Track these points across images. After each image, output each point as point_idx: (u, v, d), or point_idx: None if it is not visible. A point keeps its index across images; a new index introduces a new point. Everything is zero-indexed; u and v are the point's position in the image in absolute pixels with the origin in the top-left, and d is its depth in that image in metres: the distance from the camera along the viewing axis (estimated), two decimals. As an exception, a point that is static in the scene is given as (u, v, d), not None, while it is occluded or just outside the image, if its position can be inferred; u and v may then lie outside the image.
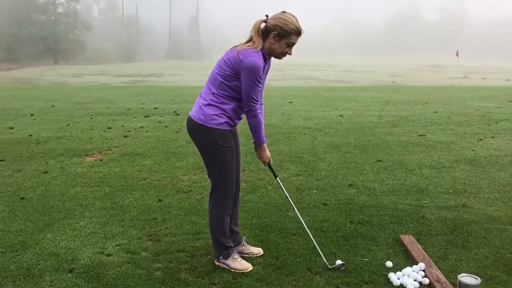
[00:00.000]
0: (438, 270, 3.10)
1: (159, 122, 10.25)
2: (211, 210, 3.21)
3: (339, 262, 3.22)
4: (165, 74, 38.66)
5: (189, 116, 3.12)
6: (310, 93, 18.67)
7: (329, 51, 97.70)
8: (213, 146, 3.04)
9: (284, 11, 3.01)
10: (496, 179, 5.44)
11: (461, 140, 7.90)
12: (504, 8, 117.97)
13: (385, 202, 4.62)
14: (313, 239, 3.37)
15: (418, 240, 3.64)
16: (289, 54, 3.06)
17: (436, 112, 11.75)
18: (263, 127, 3.07)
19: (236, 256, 3.23)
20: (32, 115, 11.49)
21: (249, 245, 3.51)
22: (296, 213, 3.48)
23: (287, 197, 3.48)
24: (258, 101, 3.02)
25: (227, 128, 3.05)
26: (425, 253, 3.34)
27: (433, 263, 3.18)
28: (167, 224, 4.04)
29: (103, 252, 3.46)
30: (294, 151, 7.04)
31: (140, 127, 9.46)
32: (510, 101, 14.44)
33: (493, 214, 4.27)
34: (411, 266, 3.15)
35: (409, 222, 4.08)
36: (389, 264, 3.23)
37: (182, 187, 5.17)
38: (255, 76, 2.90)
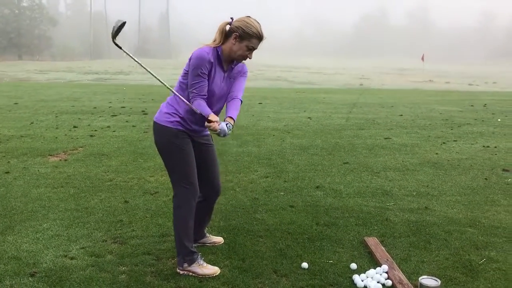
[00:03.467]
0: (401, 272, 3.17)
1: (127, 121, 10.11)
2: (175, 213, 3.19)
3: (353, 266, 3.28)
4: (134, 72, 38.11)
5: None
6: (279, 94, 18.79)
7: (299, 53, 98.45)
8: (164, 144, 3.10)
9: (248, 16, 3.05)
10: (458, 182, 5.61)
11: (425, 143, 8.11)
12: (467, 15, 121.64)
13: (351, 204, 4.69)
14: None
15: (382, 242, 3.71)
16: (249, 58, 3.09)
17: (401, 115, 12.02)
18: (205, 105, 2.98)
19: (201, 261, 3.20)
20: (-7, 112, 11.14)
21: (210, 235, 3.63)
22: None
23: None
24: (197, 94, 2.96)
25: (179, 127, 3.06)
26: (389, 255, 3.41)
27: (395, 265, 3.26)
28: (133, 226, 3.99)
29: (66, 255, 3.39)
30: (262, 152, 7.07)
31: (107, 127, 9.30)
32: (472, 106, 14.91)
33: (454, 216, 4.40)
34: (375, 268, 3.22)
35: (373, 224, 4.16)
36: (353, 266, 3.28)
37: (149, 188, 5.12)
38: (196, 67, 2.92)
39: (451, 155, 7.16)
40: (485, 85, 30.93)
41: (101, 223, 4.05)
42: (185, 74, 3.03)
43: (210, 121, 2.95)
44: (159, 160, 6.37)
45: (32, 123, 9.62)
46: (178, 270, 3.18)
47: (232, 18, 3.04)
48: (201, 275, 3.13)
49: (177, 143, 3.07)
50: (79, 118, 10.41)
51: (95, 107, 12.54)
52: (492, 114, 12.71)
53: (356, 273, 3.17)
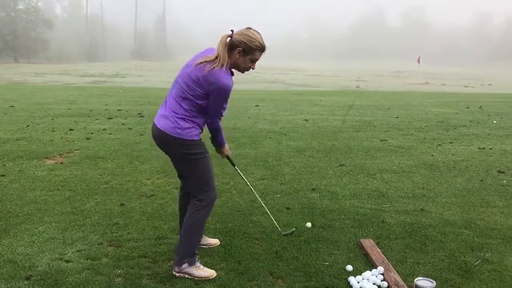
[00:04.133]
0: (396, 274, 3.18)
1: (123, 124, 10.10)
2: (194, 215, 3.16)
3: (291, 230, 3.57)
4: (130, 75, 38.09)
5: (160, 130, 3.08)
6: (276, 96, 18.80)
7: (296, 56, 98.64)
8: (193, 155, 3.08)
9: (249, 28, 3.05)
10: (453, 184, 5.63)
11: (421, 145, 8.14)
12: (463, 16, 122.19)
13: (347, 206, 4.70)
14: (264, 206, 3.75)
15: (378, 244, 3.72)
16: (252, 69, 3.14)
17: (397, 117, 12.05)
18: (222, 133, 3.30)
19: (199, 264, 3.21)
20: (-11, 115, 11.10)
21: (206, 237, 3.64)
22: (257, 198, 3.83)
23: (248, 185, 3.78)
24: (222, 116, 3.13)
25: (199, 137, 3.14)
26: (384, 257, 3.42)
27: (391, 267, 3.27)
28: (129, 229, 3.99)
29: (62, 258, 3.38)
30: (259, 155, 7.08)
31: (103, 129, 9.29)
32: (467, 107, 14.96)
33: (450, 218, 4.42)
34: (371, 270, 3.23)
35: (369, 226, 4.17)
36: (349, 268, 3.29)
37: (145, 191, 5.12)
38: (226, 97, 3.00)
39: (446, 157, 7.19)
40: (480, 87, 31.06)
41: (97, 226, 4.05)
42: (199, 96, 2.98)
43: (223, 150, 3.42)
44: (155, 163, 6.39)
45: (28, 126, 9.60)
46: (174, 272, 3.18)
47: (232, 31, 3.02)
48: (197, 277, 3.13)
49: (203, 152, 3.13)
50: (75, 121, 10.39)
51: (91, 110, 12.52)
52: (488, 116, 12.76)
53: (352, 275, 3.18)
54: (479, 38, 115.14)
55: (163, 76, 36.83)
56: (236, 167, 3.61)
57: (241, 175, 3.64)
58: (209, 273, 3.17)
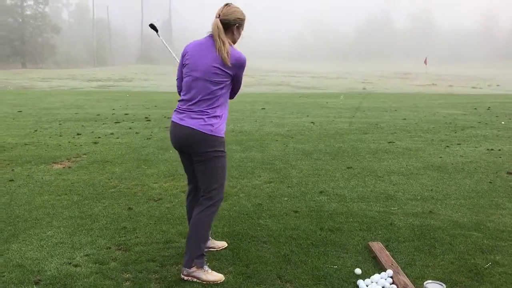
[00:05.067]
0: (406, 277, 3.16)
1: (130, 128, 10.13)
2: (202, 214, 3.18)
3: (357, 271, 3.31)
4: (137, 79, 38.26)
5: (191, 128, 3.08)
6: (282, 99, 18.80)
7: (302, 58, 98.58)
8: (219, 153, 3.16)
9: (227, 4, 3.18)
10: (462, 186, 5.59)
11: (429, 147, 8.09)
12: (470, 17, 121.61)
13: (355, 209, 4.68)
14: None
15: (386, 247, 3.70)
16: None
17: (405, 119, 12.00)
18: None
19: (207, 268, 3.21)
20: (-3, 120, 11.19)
21: (213, 239, 3.67)
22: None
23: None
24: None
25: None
26: (393, 260, 3.40)
27: (400, 270, 3.25)
28: (137, 233, 3.99)
29: (70, 263, 3.39)
30: (266, 158, 7.07)
31: (110, 134, 9.33)
32: (475, 109, 14.87)
33: (459, 220, 4.39)
34: (380, 273, 3.21)
35: (378, 229, 4.15)
36: (358, 271, 3.27)
37: (153, 195, 5.13)
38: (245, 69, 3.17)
39: (455, 158, 7.14)
40: (488, 88, 30.89)
41: (105, 230, 4.06)
42: (225, 85, 3.12)
43: None
44: (162, 166, 6.40)
45: (36, 130, 9.66)
46: (182, 276, 3.18)
47: (219, 15, 3.12)
48: (205, 281, 3.12)
49: (224, 150, 3.21)
50: (82, 125, 10.44)
51: (98, 114, 12.58)
52: (496, 116, 12.68)
53: (360, 278, 3.16)
54: (486, 39, 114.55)
55: (170, 80, 36.94)
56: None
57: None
58: (217, 277, 3.17)
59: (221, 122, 3.15)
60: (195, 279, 3.15)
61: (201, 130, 3.08)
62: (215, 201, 3.22)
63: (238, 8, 3.18)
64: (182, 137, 3.15)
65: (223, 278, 3.17)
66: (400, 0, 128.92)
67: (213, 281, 3.13)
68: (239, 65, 3.10)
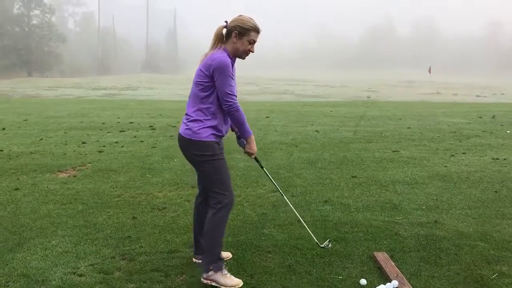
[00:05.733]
0: (411, 288, 3.14)
1: (135, 137, 10.16)
2: (212, 217, 3.20)
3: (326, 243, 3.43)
4: (142, 88, 38.42)
5: (179, 134, 3.25)
6: (286, 108, 18.82)
7: (306, 66, 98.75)
8: (203, 157, 3.15)
9: (240, 14, 3.23)
10: (467, 195, 5.56)
11: (434, 156, 8.06)
12: (474, 26, 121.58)
13: (360, 219, 4.66)
14: (305, 225, 3.61)
15: (391, 257, 3.68)
16: (252, 52, 3.25)
17: (409, 127, 11.97)
18: (245, 119, 3.20)
19: (226, 272, 3.22)
20: (3, 129, 11.25)
21: None
22: (290, 206, 3.66)
23: (276, 186, 3.70)
24: (235, 95, 3.12)
25: (213, 139, 3.17)
26: (399, 270, 3.38)
27: (406, 281, 3.23)
28: (141, 242, 3.99)
29: (75, 272, 3.39)
30: (270, 166, 7.06)
31: (115, 142, 9.35)
32: (480, 117, 14.83)
33: (464, 230, 4.36)
34: (385, 284, 3.19)
35: (383, 239, 4.13)
36: (363, 282, 3.25)
37: (157, 204, 5.13)
38: (226, 73, 3.05)
39: (460, 167, 7.11)
40: (493, 97, 30.81)
41: (110, 239, 4.06)
42: (206, 87, 3.11)
43: (251, 143, 3.25)
44: (167, 175, 6.41)
45: (41, 139, 9.71)
46: (202, 279, 3.21)
47: (226, 21, 3.19)
48: (223, 285, 3.14)
49: (214, 153, 3.17)
50: (87, 134, 10.48)
51: (103, 123, 12.63)
52: (501, 125, 12.63)
53: (366, 289, 3.14)
54: (490, 47, 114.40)
55: (174, 88, 37.13)
56: (264, 169, 3.58)
57: (270, 179, 3.64)
58: (236, 282, 3.17)
59: (202, 126, 3.13)
60: (213, 283, 3.16)
61: (182, 134, 3.20)
62: (220, 206, 3.20)
63: (246, 18, 3.19)
64: (178, 144, 3.29)
65: (242, 283, 3.17)
66: (404, 8, 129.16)
67: (231, 285, 3.14)
68: (215, 66, 3.04)
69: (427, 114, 15.92)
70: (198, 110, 3.15)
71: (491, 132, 11.21)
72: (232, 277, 3.22)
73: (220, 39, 3.18)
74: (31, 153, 8.12)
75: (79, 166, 7.08)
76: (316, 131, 11.24)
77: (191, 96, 3.22)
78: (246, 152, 3.35)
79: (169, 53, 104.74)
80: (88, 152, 8.25)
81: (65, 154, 8.04)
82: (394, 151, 8.50)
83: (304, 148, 8.74)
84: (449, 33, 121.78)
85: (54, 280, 3.27)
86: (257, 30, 3.19)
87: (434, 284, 3.26)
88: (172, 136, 10.16)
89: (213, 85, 3.09)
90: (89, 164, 7.19)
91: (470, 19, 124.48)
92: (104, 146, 8.91)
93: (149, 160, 7.51)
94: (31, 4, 72.76)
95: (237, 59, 3.26)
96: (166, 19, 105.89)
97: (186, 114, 3.22)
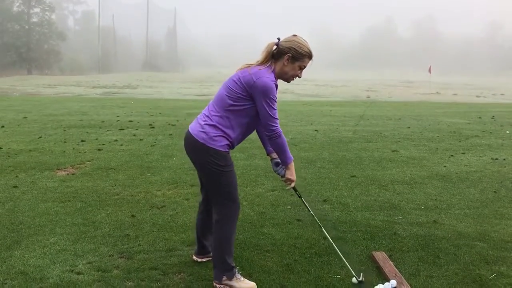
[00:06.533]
0: (410, 287, 3.13)
1: (134, 135, 10.15)
2: (220, 229, 3.13)
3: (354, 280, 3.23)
4: (141, 86, 38.38)
5: (189, 133, 3.06)
6: (286, 107, 18.81)
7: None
8: (215, 167, 2.99)
9: (295, 35, 3.05)
10: (467, 195, 5.56)
11: (433, 156, 8.06)
12: (475, 26, 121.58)
13: (359, 218, 4.66)
14: (338, 251, 3.41)
15: (390, 256, 3.67)
16: (299, 77, 3.11)
17: (409, 127, 11.97)
18: (287, 144, 3.09)
19: (239, 275, 3.18)
20: (2, 126, 11.24)
21: None
22: (324, 232, 3.53)
23: (316, 219, 3.56)
24: (277, 119, 2.97)
25: (227, 150, 3.04)
26: (397, 270, 3.38)
27: (404, 280, 3.22)
28: (139, 241, 3.98)
29: (73, 270, 3.38)
30: (269, 165, 6.98)
31: (115, 140, 9.34)
32: (479, 118, 14.83)
33: (463, 230, 4.36)
34: (383, 283, 3.18)
35: (381, 238, 4.12)
36: (354, 280, 3.24)
37: (156, 202, 5.12)
38: (270, 96, 2.89)
39: (459, 167, 7.11)
40: (493, 97, 30.80)
41: (108, 237, 4.05)
42: (239, 98, 2.93)
43: (292, 169, 3.19)
44: (166, 174, 6.40)
45: (40, 137, 9.69)
46: (214, 284, 3.16)
47: (278, 39, 3.02)
48: None
49: (227, 164, 3.03)
50: (87, 132, 10.47)
51: (103, 121, 12.61)
52: (501, 126, 12.63)
53: (364, 289, 3.14)
54: (490, 47, 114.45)
55: (174, 87, 37.11)
56: (302, 198, 3.44)
57: (308, 208, 3.50)
58: (250, 285, 3.15)
59: (220, 134, 2.97)
60: (228, 287, 3.13)
61: (195, 136, 3.01)
62: (226, 220, 3.10)
63: (303, 42, 3.00)
64: (184, 142, 3.15)
65: (256, 286, 3.15)
66: (404, 8, 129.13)
67: None
68: (259, 88, 2.86)
69: (426, 114, 15.93)
70: (220, 117, 2.97)
71: (491, 133, 11.21)
72: (246, 280, 3.17)
73: (271, 57, 2.99)
74: (30, 150, 8.11)
75: (78, 164, 7.07)
76: (315, 130, 11.24)
77: (217, 99, 3.03)
78: (285, 179, 3.22)
79: (169, 52, 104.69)
80: (87, 150, 8.24)
81: (64, 152, 8.04)
82: (394, 150, 8.50)
83: (303, 148, 8.74)
84: (450, 34, 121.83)
85: (52, 278, 3.26)
86: (311, 57, 3.03)
87: (432, 284, 3.25)
88: (171, 135, 10.15)
89: (246, 99, 2.92)
90: (88, 162, 7.18)
91: (470, 20, 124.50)
92: (103, 144, 8.90)
93: (148, 159, 7.51)
94: (31, 2, 72.60)
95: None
96: (166, 18, 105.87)
97: (205, 116, 3.04)
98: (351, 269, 3.26)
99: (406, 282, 3.20)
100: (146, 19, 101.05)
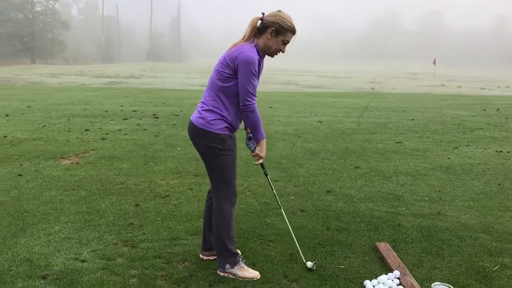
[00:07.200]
0: (413, 278, 3.14)
1: (138, 125, 10.16)
2: (217, 214, 3.18)
3: (309, 264, 3.30)
4: (145, 76, 38.35)
5: (191, 121, 3.15)
6: (290, 98, 18.77)
7: (310, 57, 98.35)
8: (213, 150, 3.07)
9: (280, 10, 3.10)
10: (470, 187, 5.55)
11: (437, 148, 8.04)
12: (480, 18, 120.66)
13: (362, 209, 4.66)
14: (295, 241, 3.45)
15: (393, 247, 3.68)
16: (282, 52, 3.14)
17: (413, 119, 11.94)
18: (261, 121, 3.14)
19: (243, 264, 3.20)
20: (7, 115, 11.26)
21: None
22: (282, 214, 3.54)
23: (276, 196, 3.57)
24: (255, 96, 3.03)
25: (227, 132, 3.09)
26: (400, 261, 3.38)
27: (407, 271, 3.23)
28: (143, 229, 4.00)
29: (77, 258, 3.41)
30: (273, 156, 7.06)
31: (118, 130, 9.36)
32: (484, 110, 14.76)
33: (467, 222, 4.35)
34: (387, 274, 3.19)
35: (385, 229, 4.13)
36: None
37: (160, 192, 5.13)
38: (251, 70, 2.94)
39: (463, 160, 7.09)
40: (498, 90, 30.62)
41: (112, 226, 4.07)
42: (227, 78, 2.99)
43: (262, 146, 3.25)
44: (170, 163, 6.41)
45: (44, 126, 9.71)
46: (218, 272, 3.20)
47: (263, 13, 3.06)
48: (241, 277, 3.14)
49: (226, 148, 3.09)
50: (91, 122, 10.48)
51: (106, 111, 12.62)
52: (505, 118, 12.58)
53: (367, 279, 3.15)
54: (496, 40, 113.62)
55: (178, 77, 37.04)
56: (268, 177, 3.52)
57: (271, 187, 3.56)
58: (253, 274, 3.17)
59: (216, 117, 3.04)
60: (231, 276, 3.16)
61: (194, 122, 3.10)
62: (223, 203, 3.15)
63: (286, 16, 3.03)
64: (187, 131, 3.22)
65: (259, 275, 3.17)
66: (409, 0, 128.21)
67: (249, 278, 3.14)
68: (241, 61, 2.91)
69: (431, 106, 15.87)
70: (214, 100, 3.04)
71: (495, 125, 11.17)
72: (250, 269, 3.20)
73: (255, 31, 3.03)
74: (34, 139, 8.13)
75: (82, 153, 7.09)
76: (319, 121, 11.22)
77: (209, 84, 3.10)
78: (254, 155, 3.28)
79: (173, 42, 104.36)
80: (91, 139, 8.26)
81: (68, 141, 8.05)
82: (398, 142, 8.48)
83: (307, 139, 8.73)
84: (455, 26, 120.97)
85: (57, 265, 3.28)
86: (294, 31, 3.06)
87: (436, 275, 3.26)
88: (175, 125, 10.15)
89: (234, 77, 2.97)
90: (92, 151, 7.20)
91: (476, 13, 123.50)
92: (107, 133, 8.91)
93: (152, 148, 7.52)
94: (34, -9, 72.55)
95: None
96: (169, 8, 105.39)
97: (202, 102, 3.12)
98: (302, 255, 3.36)
99: (409, 273, 3.20)
100: (149, 9, 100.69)
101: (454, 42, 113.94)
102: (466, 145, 8.33)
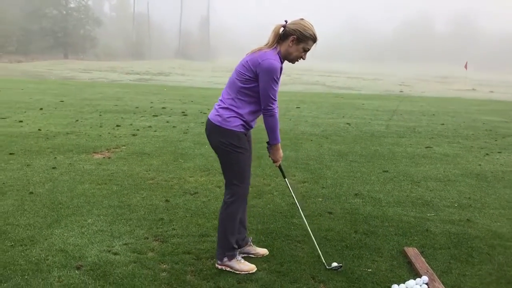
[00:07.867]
0: (441, 284, 3.12)
1: (167, 122, 10.31)
2: (225, 209, 3.26)
3: (334, 264, 3.34)
4: (174, 74, 38.77)
5: (208, 119, 3.25)
6: (317, 99, 18.70)
7: (338, 58, 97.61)
8: (229, 147, 3.14)
9: (302, 18, 3.17)
10: (502, 195, 5.45)
11: (468, 154, 7.91)
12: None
13: (390, 214, 4.64)
14: (315, 243, 3.49)
15: (422, 253, 3.66)
16: (303, 59, 3.22)
17: (443, 124, 11.75)
18: (278, 126, 3.20)
19: (240, 258, 3.30)
20: (41, 109, 11.59)
21: (255, 246, 3.62)
22: (302, 217, 3.58)
23: (294, 199, 3.61)
24: (276, 100, 3.12)
25: (242, 130, 3.17)
26: (429, 267, 3.36)
27: (436, 277, 3.21)
28: (173, 225, 4.08)
29: (110, 251, 3.51)
30: (300, 157, 7.07)
31: (148, 126, 9.52)
32: (517, 116, 14.40)
33: (498, 230, 4.29)
34: (415, 279, 3.18)
35: (413, 234, 4.10)
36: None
37: (189, 188, 5.22)
38: (273, 77, 3.04)
39: (495, 166, 6.96)
40: (532, 95, 29.78)
41: (143, 220, 4.16)
42: (247, 80, 3.09)
43: (278, 148, 3.30)
44: (198, 161, 6.50)
45: (77, 120, 9.96)
46: (216, 265, 3.29)
47: (286, 21, 3.15)
48: (238, 270, 3.22)
49: (241, 146, 3.17)
50: (121, 117, 10.69)
51: (137, 107, 12.84)
52: (539, 125, 12.24)
53: (394, 283, 3.14)
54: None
55: (206, 76, 37.34)
56: (286, 180, 3.58)
57: (290, 190, 3.59)
58: (249, 267, 3.25)
59: (233, 115, 3.12)
60: (228, 269, 3.24)
61: (211, 119, 3.20)
62: (233, 200, 3.23)
63: (308, 24, 3.11)
64: (205, 129, 3.31)
65: (255, 269, 3.25)
66: (442, 2, 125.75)
67: (245, 271, 3.22)
68: (263, 68, 3.00)
69: (461, 111, 15.58)
70: (232, 99, 3.15)
71: (529, 132, 10.89)
72: (246, 262, 3.30)
73: (278, 38, 3.12)
74: (67, 133, 8.35)
75: (113, 148, 7.25)
76: (347, 123, 11.16)
77: (229, 83, 3.21)
78: (271, 158, 3.39)
79: (201, 41, 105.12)
80: (122, 135, 8.43)
81: (100, 136, 8.24)
82: (427, 147, 8.37)
83: (335, 140, 8.70)
84: (488, 30, 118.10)
85: (90, 257, 3.39)
86: (315, 40, 3.14)
87: (465, 282, 3.23)
88: (203, 122, 10.26)
89: (254, 80, 3.07)
90: (123, 147, 7.35)
91: (510, 16, 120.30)
92: (137, 129, 9.07)
93: (181, 145, 7.62)
94: (69, -12, 74.20)
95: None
96: (199, 6, 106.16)
97: (220, 100, 3.22)
98: (323, 258, 3.40)
99: (438, 279, 3.18)
100: (180, 7, 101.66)
101: (486, 46, 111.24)
102: (498, 152, 8.16)
